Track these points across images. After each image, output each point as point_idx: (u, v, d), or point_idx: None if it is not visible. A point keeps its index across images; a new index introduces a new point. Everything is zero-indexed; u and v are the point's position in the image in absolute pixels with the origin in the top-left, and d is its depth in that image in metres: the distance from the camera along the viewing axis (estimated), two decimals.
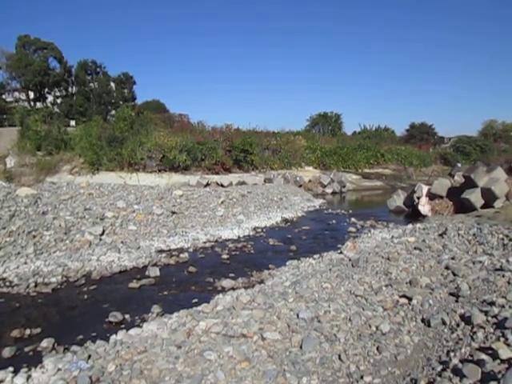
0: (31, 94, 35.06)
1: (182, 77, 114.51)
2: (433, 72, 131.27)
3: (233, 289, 7.54)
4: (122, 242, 10.33)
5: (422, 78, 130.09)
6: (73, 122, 31.43)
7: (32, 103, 34.58)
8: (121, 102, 36.72)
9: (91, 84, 37.13)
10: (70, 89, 37.04)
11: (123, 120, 23.29)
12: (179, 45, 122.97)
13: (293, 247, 10.92)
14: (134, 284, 7.94)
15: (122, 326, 6.12)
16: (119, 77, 38.40)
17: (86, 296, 7.42)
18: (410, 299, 5.90)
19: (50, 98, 36.49)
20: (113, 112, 35.36)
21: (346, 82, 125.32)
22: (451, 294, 5.95)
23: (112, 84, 38.08)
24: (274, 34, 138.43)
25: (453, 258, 7.65)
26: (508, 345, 4.03)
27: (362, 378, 4.25)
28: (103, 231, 10.68)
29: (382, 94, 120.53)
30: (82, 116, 33.00)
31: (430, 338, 4.85)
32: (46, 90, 35.55)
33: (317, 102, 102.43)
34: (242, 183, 21.66)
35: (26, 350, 5.43)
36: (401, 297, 6.08)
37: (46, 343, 5.48)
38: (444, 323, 5.04)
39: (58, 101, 36.34)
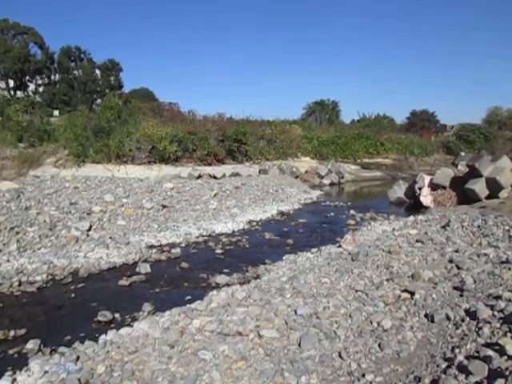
0: (11, 83, 34.71)
1: (171, 63, 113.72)
2: (434, 57, 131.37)
3: (227, 285, 7.55)
4: (110, 238, 10.29)
5: (424, 63, 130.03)
6: (56, 112, 31.21)
7: (12, 92, 34.24)
8: (107, 91, 36.48)
9: (75, 71, 36.82)
10: (52, 76, 36.73)
11: (110, 109, 23.08)
12: (167, 30, 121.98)
13: (289, 241, 10.94)
14: (123, 281, 7.91)
15: (112, 325, 6.11)
16: (105, 63, 38.08)
17: (73, 294, 7.38)
18: (412, 294, 5.92)
19: (31, 87, 36.16)
20: (98, 101, 35.16)
21: (343, 68, 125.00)
22: (455, 288, 5.97)
23: (97, 71, 37.78)
24: (270, 17, 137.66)
25: (456, 251, 7.68)
26: None
27: (363, 376, 4.27)
28: (90, 226, 10.62)
29: (382, 80, 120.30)
30: (66, 105, 32.76)
31: (434, 334, 4.87)
32: (27, 77, 35.22)
33: (313, 89, 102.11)
34: (236, 175, 21.60)
35: (11, 352, 5.41)
36: (403, 291, 6.09)
37: (31, 345, 5.46)
38: (448, 318, 5.06)
39: (40, 89, 36.04)
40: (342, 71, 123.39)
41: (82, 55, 37.10)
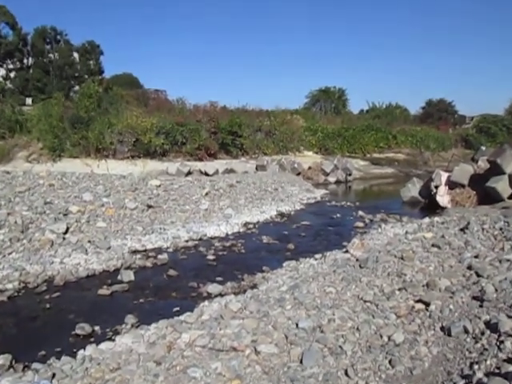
0: None
1: (158, 46, 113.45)
2: (452, 41, 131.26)
3: (220, 295, 7.55)
4: (89, 242, 10.28)
5: (440, 49, 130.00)
6: (29, 100, 31.12)
7: None
8: (86, 76, 36.39)
9: (51, 55, 36.75)
10: (25, 60, 36.64)
11: (89, 97, 23.09)
12: (154, 9, 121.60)
13: (290, 246, 10.96)
14: (104, 290, 7.91)
15: (91, 339, 6.10)
16: (83, 46, 38.04)
17: (48, 305, 7.38)
18: (427, 304, 5.95)
19: (1, 72, 36.06)
20: (76, 88, 35.07)
21: (351, 53, 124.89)
22: (475, 298, 6.00)
23: (75, 54, 37.72)
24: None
25: (476, 257, 7.71)
26: None
27: None
28: (67, 229, 10.61)
29: (394, 66, 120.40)
30: (41, 93, 32.69)
31: (451, 349, 4.89)
32: None
33: (317, 76, 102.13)
34: (230, 171, 21.64)
35: None
36: (417, 302, 6.12)
37: (1, 360, 5.44)
38: (466, 332, 5.09)
39: (12, 75, 35.93)
40: (350, 56, 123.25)
41: (59, 37, 37.03)
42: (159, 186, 15.10)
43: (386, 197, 20.89)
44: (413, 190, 17.31)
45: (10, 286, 7.96)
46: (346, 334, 5.36)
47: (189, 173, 20.21)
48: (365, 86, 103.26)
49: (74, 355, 5.40)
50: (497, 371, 4.09)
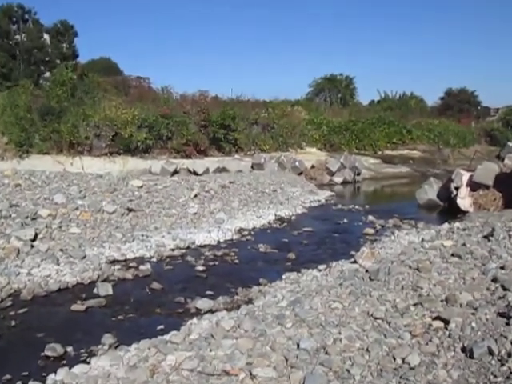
0: None
1: (139, 27, 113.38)
2: (475, 25, 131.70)
3: (211, 311, 7.55)
4: (61, 250, 10.26)
5: (461, 32, 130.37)
6: None
7: None
8: (58, 61, 36.31)
9: (17, 36, 36.65)
10: None
11: (61, 85, 23.07)
12: None
13: (291, 255, 10.97)
14: (78, 306, 7.88)
15: (63, 361, 6.07)
16: (55, 26, 37.92)
17: (13, 322, 7.35)
18: (446, 322, 5.95)
19: None
20: (47, 74, 35.00)
21: (360, 36, 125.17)
22: (500, 315, 6.00)
23: (46, 36, 37.61)
24: None
25: (502, 268, 7.71)
26: None
27: None
28: (36, 235, 10.58)
29: (409, 51, 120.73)
30: (5, 80, 32.56)
31: (473, 373, 4.89)
32: None
33: (322, 63, 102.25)
34: (222, 170, 21.67)
35: None
36: (434, 319, 6.12)
37: None
38: (491, 353, 5.09)
39: None
40: (359, 39, 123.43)
41: (27, 16, 36.89)
42: (141, 186, 15.09)
43: (400, 199, 20.95)
44: (430, 191, 17.33)
45: None
46: (354, 356, 5.36)
47: (175, 172, 20.22)
48: (375, 73, 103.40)
49: (43, 380, 5.37)
50: None
